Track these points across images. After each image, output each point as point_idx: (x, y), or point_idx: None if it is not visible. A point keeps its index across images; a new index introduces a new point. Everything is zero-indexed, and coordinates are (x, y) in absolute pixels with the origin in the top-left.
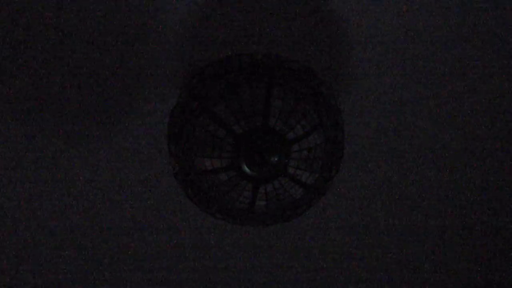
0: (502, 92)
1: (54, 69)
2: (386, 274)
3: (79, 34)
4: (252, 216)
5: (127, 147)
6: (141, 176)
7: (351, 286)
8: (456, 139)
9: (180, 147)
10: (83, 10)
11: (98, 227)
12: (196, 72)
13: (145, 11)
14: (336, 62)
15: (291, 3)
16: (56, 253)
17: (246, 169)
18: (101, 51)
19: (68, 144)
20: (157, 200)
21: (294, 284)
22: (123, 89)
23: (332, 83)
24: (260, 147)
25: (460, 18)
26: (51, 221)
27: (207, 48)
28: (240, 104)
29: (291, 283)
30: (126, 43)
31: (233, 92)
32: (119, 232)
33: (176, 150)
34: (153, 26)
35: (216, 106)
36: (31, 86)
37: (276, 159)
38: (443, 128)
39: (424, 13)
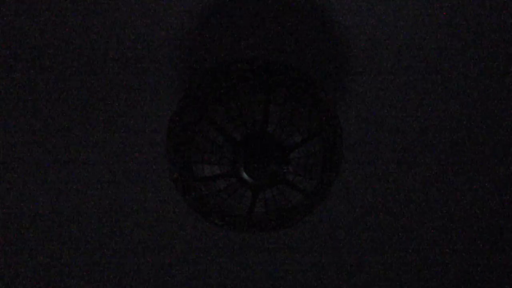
0: (503, 90)
1: (53, 72)
2: (386, 278)
3: (79, 37)
4: (251, 223)
5: (125, 153)
6: (140, 182)
7: None
8: (456, 141)
9: (179, 154)
10: (84, 12)
11: (95, 231)
12: (195, 78)
13: (145, 16)
14: (334, 69)
15: (290, 9)
16: (52, 253)
17: (245, 175)
18: (100, 57)
19: (67, 147)
20: (155, 207)
21: None
22: (122, 95)
23: (331, 90)
24: (259, 154)
25: (460, 21)
26: (49, 222)
27: (206, 54)
28: (239, 111)
29: None
30: (126, 49)
31: (232, 98)
32: (116, 237)
33: (175, 157)
34: (153, 32)
35: (215, 112)
36: (32, 88)
37: (275, 166)
38: (442, 132)
39: (423, 18)
